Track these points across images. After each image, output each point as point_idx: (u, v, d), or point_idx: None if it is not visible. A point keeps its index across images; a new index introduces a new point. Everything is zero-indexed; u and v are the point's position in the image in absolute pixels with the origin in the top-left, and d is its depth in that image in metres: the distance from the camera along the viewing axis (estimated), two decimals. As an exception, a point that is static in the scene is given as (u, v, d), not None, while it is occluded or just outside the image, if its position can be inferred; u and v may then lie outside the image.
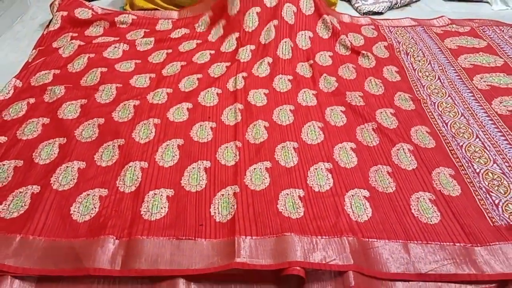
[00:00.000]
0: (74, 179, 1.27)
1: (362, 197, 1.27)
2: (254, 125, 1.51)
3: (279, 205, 1.22)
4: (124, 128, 1.48)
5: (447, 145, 1.49)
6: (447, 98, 1.73)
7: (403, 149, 1.45)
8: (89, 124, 1.49)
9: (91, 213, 1.18)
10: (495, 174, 1.37)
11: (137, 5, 2.35)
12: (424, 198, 1.28)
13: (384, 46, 2.11)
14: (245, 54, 1.93)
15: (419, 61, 2.00)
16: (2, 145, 1.39)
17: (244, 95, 1.67)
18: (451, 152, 1.46)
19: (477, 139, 1.52)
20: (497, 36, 2.24)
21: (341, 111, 1.63)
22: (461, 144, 1.49)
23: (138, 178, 1.28)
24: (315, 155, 1.41)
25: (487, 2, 2.77)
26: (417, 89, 1.79)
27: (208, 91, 1.69)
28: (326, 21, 2.11)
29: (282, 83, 1.77)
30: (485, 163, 1.42)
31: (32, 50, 1.94)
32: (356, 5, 2.60)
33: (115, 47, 1.95)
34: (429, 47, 2.13)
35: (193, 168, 1.34)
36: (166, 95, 1.66)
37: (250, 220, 1.16)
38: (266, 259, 1.06)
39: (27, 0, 2.39)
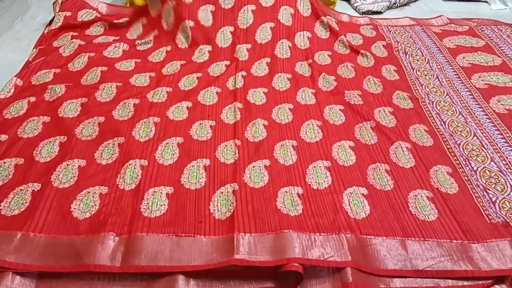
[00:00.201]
0: (74, 177, 1.28)
1: (360, 195, 1.28)
2: (254, 123, 1.52)
3: (277, 202, 1.23)
4: (124, 126, 1.49)
5: (445, 143, 1.50)
6: (445, 97, 1.75)
7: (401, 147, 1.46)
8: (89, 122, 1.50)
9: (92, 211, 1.19)
10: (493, 172, 1.38)
11: (137, 4, 2.36)
12: (421, 196, 1.29)
13: (383, 45, 2.12)
14: (242, 52, 1.94)
15: (418, 60, 2.01)
16: (3, 143, 1.40)
17: (243, 94, 1.68)
18: (448, 150, 1.47)
19: (475, 138, 1.53)
20: (496, 35, 2.25)
21: (339, 109, 1.64)
22: (458, 142, 1.50)
23: (138, 176, 1.29)
24: (313, 153, 1.42)
25: (486, 2, 2.78)
26: (415, 88, 1.80)
27: (207, 90, 1.70)
28: (324, 22, 2.12)
29: (281, 82, 1.78)
30: (482, 161, 1.43)
31: (33, 49, 1.95)
32: (355, 4, 2.61)
33: (115, 46, 1.96)
34: (428, 46, 2.14)
35: (193, 166, 1.35)
36: (166, 93, 1.67)
37: (249, 217, 1.17)
38: (265, 255, 1.07)
39: (27, 0, 2.40)
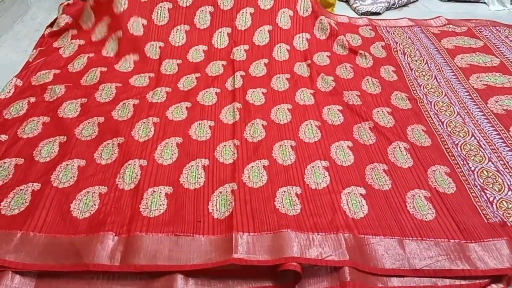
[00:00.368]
0: (74, 176, 1.29)
1: (358, 195, 1.28)
2: (252, 123, 1.53)
3: (276, 202, 1.23)
4: (123, 126, 1.49)
5: (442, 144, 1.51)
6: (443, 97, 1.75)
7: (399, 147, 1.47)
8: (89, 122, 1.50)
9: (91, 210, 1.19)
10: (490, 172, 1.39)
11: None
12: (419, 196, 1.30)
13: (382, 46, 2.13)
14: (239, 53, 1.95)
15: (416, 60, 2.02)
16: (3, 144, 1.40)
17: (242, 94, 1.68)
18: (446, 151, 1.48)
19: (473, 138, 1.53)
20: (494, 36, 2.26)
21: (338, 110, 1.65)
22: (456, 142, 1.51)
23: (137, 175, 1.30)
24: (312, 153, 1.42)
25: (484, 3, 2.79)
26: (413, 89, 1.81)
27: (207, 91, 1.71)
28: (323, 22, 2.12)
29: (280, 83, 1.79)
30: (480, 161, 1.43)
31: (33, 50, 1.96)
32: (354, 5, 2.62)
33: (111, 38, 1.95)
34: (426, 47, 2.15)
35: (192, 166, 1.35)
36: (165, 94, 1.68)
37: (247, 216, 1.17)
38: (263, 255, 1.07)
39: (27, 1, 2.41)
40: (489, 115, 1.65)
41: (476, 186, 1.34)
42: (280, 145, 1.45)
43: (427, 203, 1.27)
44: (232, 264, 1.04)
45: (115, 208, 1.20)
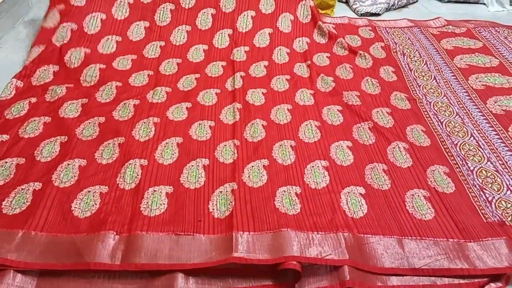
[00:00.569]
0: (75, 176, 1.30)
1: (358, 194, 1.29)
2: (252, 124, 1.54)
3: (276, 201, 1.24)
4: (124, 126, 1.50)
5: (442, 144, 1.51)
6: (442, 98, 1.76)
7: (399, 147, 1.48)
8: (89, 122, 1.51)
9: (92, 209, 1.20)
10: (489, 172, 1.40)
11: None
12: (418, 195, 1.31)
13: (381, 46, 2.14)
14: (240, 54, 1.95)
15: (415, 61, 2.03)
16: (4, 143, 1.41)
17: (242, 94, 1.69)
18: (445, 150, 1.48)
19: (472, 138, 1.54)
20: (493, 37, 2.26)
21: (338, 110, 1.65)
22: (455, 142, 1.52)
23: (138, 175, 1.30)
24: (312, 153, 1.43)
25: (484, 4, 2.80)
26: (413, 89, 1.82)
27: (207, 91, 1.71)
28: (322, 28, 2.14)
29: (280, 83, 1.79)
30: (479, 161, 1.44)
31: (31, 48, 1.94)
32: (354, 6, 2.63)
33: (108, 39, 1.95)
34: (426, 47, 2.16)
35: (192, 165, 1.36)
36: (165, 94, 1.68)
37: (247, 216, 1.18)
38: (263, 253, 1.08)
39: (29, 1, 2.42)
40: (488, 116, 1.66)
41: (475, 186, 1.35)
42: (280, 145, 1.45)
43: (426, 203, 1.28)
44: (232, 263, 1.05)
45: (115, 207, 1.21)
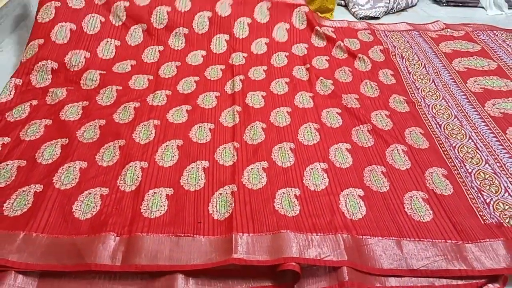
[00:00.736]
0: (76, 178, 1.31)
1: (356, 196, 1.30)
2: (252, 126, 1.55)
3: (275, 203, 1.25)
4: (124, 129, 1.51)
5: (440, 146, 1.52)
6: (441, 101, 1.77)
7: (397, 149, 1.49)
8: (90, 125, 1.52)
9: (93, 211, 1.21)
10: (487, 174, 1.41)
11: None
12: (417, 197, 1.31)
13: (380, 50, 2.15)
14: (238, 58, 1.97)
15: (414, 64, 2.04)
16: (5, 146, 1.42)
17: (242, 97, 1.70)
18: (444, 153, 1.49)
19: (470, 140, 1.55)
20: (491, 40, 2.28)
21: (337, 113, 1.66)
22: (454, 145, 1.53)
23: (138, 177, 1.31)
24: (311, 155, 1.44)
25: (482, 7, 2.81)
26: (411, 92, 1.83)
27: (206, 94, 1.73)
28: (320, 33, 2.16)
29: (279, 86, 1.81)
30: (477, 163, 1.45)
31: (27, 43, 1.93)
32: (353, 10, 2.65)
33: (107, 42, 1.95)
34: (424, 51, 2.17)
35: (192, 168, 1.37)
36: (165, 97, 1.69)
37: (247, 217, 1.19)
38: (263, 255, 1.09)
39: (29, 6, 2.43)
40: (486, 118, 1.67)
41: (473, 188, 1.35)
42: (279, 147, 1.46)
43: (425, 205, 1.29)
44: (232, 264, 1.06)
45: (116, 209, 1.22)
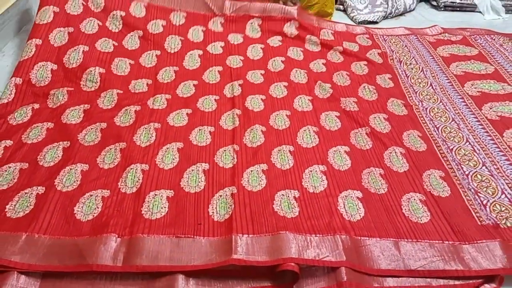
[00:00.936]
0: (77, 180, 1.32)
1: (355, 198, 1.32)
2: (252, 129, 1.56)
3: (275, 205, 1.26)
4: (125, 132, 1.52)
5: (437, 149, 1.54)
6: (438, 104, 1.79)
7: (395, 152, 1.51)
8: (91, 128, 1.54)
9: (94, 213, 1.22)
10: (484, 176, 1.42)
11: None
12: (414, 199, 1.33)
13: (378, 53, 2.17)
14: (235, 61, 1.99)
15: (412, 68, 2.06)
16: (8, 149, 1.43)
17: (241, 101, 1.72)
18: (441, 155, 1.51)
19: (467, 143, 1.57)
20: (488, 44, 2.30)
21: (335, 116, 1.68)
22: (451, 147, 1.54)
23: (139, 179, 1.33)
24: (310, 158, 1.46)
25: (480, 12, 2.84)
26: (409, 95, 1.85)
27: (206, 98, 1.74)
28: (312, 40, 2.21)
29: (278, 90, 1.82)
30: (474, 166, 1.47)
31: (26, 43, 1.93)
32: (352, 14, 2.67)
33: (105, 40, 1.95)
34: (422, 55, 2.19)
35: (192, 170, 1.38)
36: (165, 100, 1.71)
37: (247, 219, 1.20)
38: (262, 255, 1.10)
39: (31, 11, 2.46)
40: (483, 121, 1.69)
41: (470, 190, 1.37)
42: (278, 150, 1.48)
43: (422, 206, 1.31)
44: (232, 264, 1.07)
45: (117, 211, 1.23)
